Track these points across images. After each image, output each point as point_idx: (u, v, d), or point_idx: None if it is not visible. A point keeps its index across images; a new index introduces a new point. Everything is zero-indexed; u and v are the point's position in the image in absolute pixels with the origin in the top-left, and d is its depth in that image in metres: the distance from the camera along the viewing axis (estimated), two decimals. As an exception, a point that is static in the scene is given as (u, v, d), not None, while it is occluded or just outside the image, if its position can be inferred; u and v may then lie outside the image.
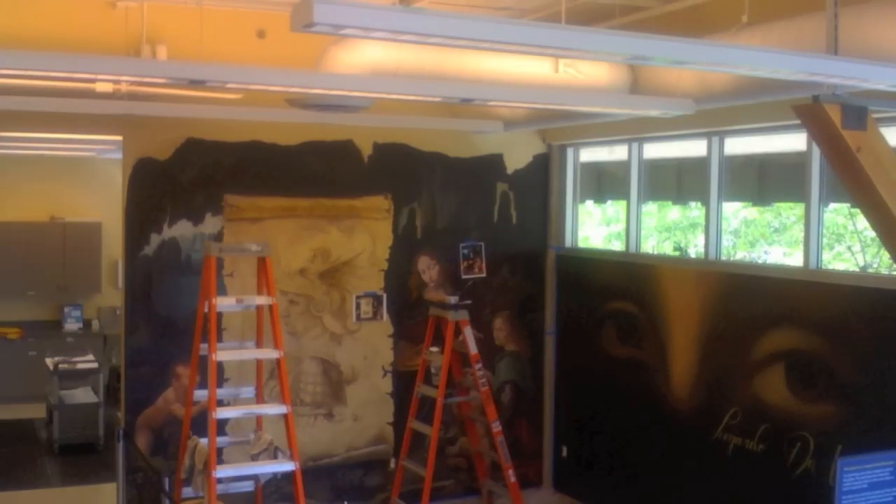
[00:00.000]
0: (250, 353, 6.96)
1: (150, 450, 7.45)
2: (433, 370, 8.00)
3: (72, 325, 12.84)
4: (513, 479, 7.90)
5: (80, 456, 9.95)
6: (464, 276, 8.42)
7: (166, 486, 6.83)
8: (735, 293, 6.80)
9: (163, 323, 7.50)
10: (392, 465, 8.27)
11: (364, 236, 8.13)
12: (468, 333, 7.81)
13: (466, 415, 8.23)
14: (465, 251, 8.37)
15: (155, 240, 7.47)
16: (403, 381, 8.28)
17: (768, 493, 6.46)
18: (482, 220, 8.57)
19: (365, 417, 8.19)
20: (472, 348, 7.81)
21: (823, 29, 4.22)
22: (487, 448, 8.20)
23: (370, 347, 8.20)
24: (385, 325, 8.25)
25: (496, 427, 7.84)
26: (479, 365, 7.84)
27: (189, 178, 7.55)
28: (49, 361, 10.87)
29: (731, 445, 6.76)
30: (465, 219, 8.51)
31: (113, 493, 7.57)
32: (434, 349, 7.93)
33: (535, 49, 3.66)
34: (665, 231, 8.25)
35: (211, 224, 7.61)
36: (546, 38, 3.45)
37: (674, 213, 8.16)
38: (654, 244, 8.22)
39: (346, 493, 8.16)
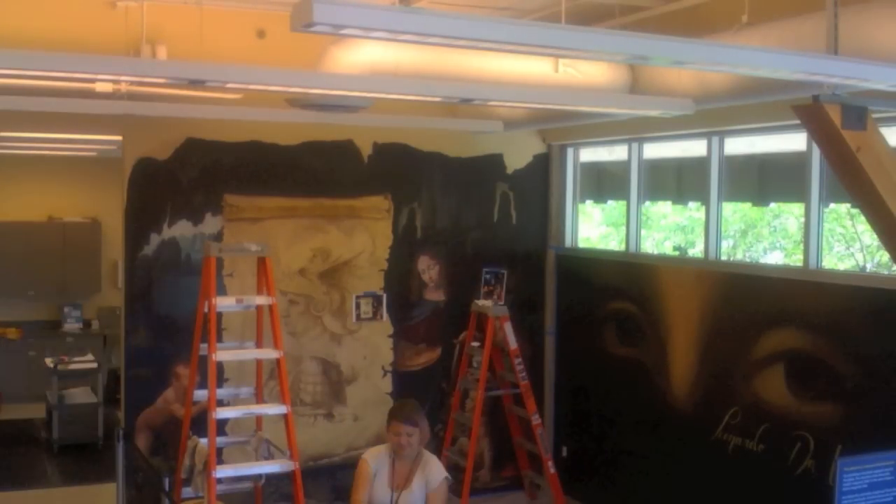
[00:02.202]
0: (250, 353, 6.96)
1: (150, 450, 7.45)
2: (475, 364, 8.15)
3: (72, 325, 12.84)
4: (552, 471, 8.04)
5: (80, 456, 9.96)
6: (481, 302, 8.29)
7: (166, 486, 6.82)
8: (735, 293, 6.80)
9: (163, 323, 7.50)
10: (392, 465, 8.27)
11: (364, 236, 8.13)
12: (508, 329, 7.94)
13: (507, 407, 8.37)
14: (488, 276, 8.30)
15: (155, 240, 7.48)
16: (403, 382, 8.29)
17: (768, 493, 6.45)
18: (482, 220, 8.57)
19: (365, 417, 8.19)
20: (513, 343, 7.94)
21: (823, 29, 4.21)
22: (526, 440, 8.32)
23: (370, 347, 8.20)
24: (385, 325, 8.25)
25: (535, 419, 8.00)
26: (520, 359, 7.96)
27: (189, 178, 7.55)
28: (49, 361, 10.87)
29: (731, 445, 6.75)
30: (465, 219, 8.51)
31: (113, 493, 7.56)
32: (475, 344, 8.09)
33: (535, 49, 3.66)
34: (679, 231, 8.23)
35: (211, 224, 7.61)
36: (546, 38, 3.45)
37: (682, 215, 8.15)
38: (655, 242, 8.22)
39: (347, 493, 8.16)
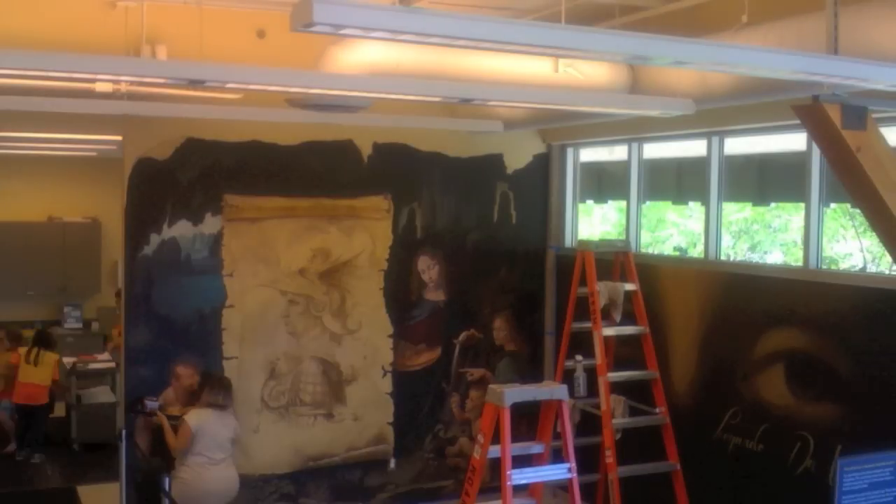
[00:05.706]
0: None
1: (150, 450, 7.44)
2: None
3: (72, 325, 12.84)
4: None
5: (97, 455, 10.00)
6: None
7: (166, 486, 6.81)
8: (735, 293, 6.79)
9: (163, 323, 7.50)
10: (392, 465, 8.27)
11: (364, 236, 8.13)
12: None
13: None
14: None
15: (155, 240, 7.47)
16: (403, 381, 8.28)
17: (768, 492, 6.45)
18: (482, 220, 8.57)
19: (365, 417, 8.19)
20: None
21: (823, 29, 4.22)
22: None
23: (370, 347, 8.20)
24: (385, 325, 8.24)
25: None
26: None
27: (189, 178, 7.54)
28: (66, 361, 10.91)
29: (731, 445, 6.75)
30: (465, 219, 8.51)
31: (116, 492, 7.57)
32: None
33: (535, 49, 3.66)
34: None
35: (211, 224, 7.60)
36: (546, 38, 3.45)
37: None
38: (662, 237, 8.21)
39: (346, 493, 8.17)
